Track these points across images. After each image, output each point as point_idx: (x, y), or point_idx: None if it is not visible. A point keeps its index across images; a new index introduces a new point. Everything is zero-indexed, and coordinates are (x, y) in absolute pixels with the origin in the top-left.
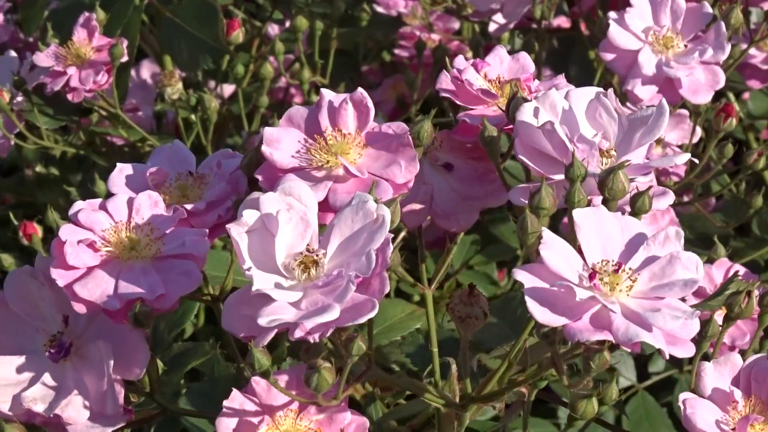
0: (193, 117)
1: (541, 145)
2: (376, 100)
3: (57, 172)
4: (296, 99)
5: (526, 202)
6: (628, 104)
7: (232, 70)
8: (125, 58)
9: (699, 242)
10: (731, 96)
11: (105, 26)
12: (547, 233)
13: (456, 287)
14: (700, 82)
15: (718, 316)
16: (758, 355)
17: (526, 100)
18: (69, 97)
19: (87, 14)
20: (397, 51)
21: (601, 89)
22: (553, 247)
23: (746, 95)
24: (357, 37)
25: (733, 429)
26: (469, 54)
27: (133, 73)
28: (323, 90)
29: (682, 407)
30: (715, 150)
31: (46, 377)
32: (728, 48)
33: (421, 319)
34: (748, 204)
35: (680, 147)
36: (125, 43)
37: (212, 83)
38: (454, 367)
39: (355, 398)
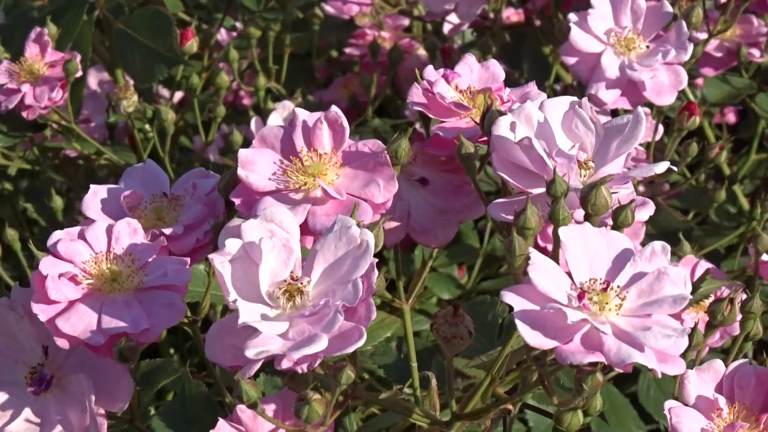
0: (148, 127)
1: (519, 159)
2: (327, 99)
3: (11, 188)
4: (245, 101)
5: (506, 217)
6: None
7: (187, 79)
8: (79, 73)
9: (661, 237)
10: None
11: (57, 40)
12: (535, 254)
13: (420, 291)
14: (663, 83)
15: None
16: (740, 361)
17: (501, 113)
18: (24, 114)
19: (38, 29)
20: (348, 50)
21: (575, 99)
22: (541, 269)
23: (699, 81)
24: (310, 41)
25: None
26: (421, 51)
27: None
28: (297, 109)
29: (667, 415)
30: (677, 145)
31: (28, 411)
32: (690, 48)
33: (392, 326)
34: (711, 198)
35: (642, 145)
36: (78, 57)
37: (164, 91)
38: (433, 382)
39: None
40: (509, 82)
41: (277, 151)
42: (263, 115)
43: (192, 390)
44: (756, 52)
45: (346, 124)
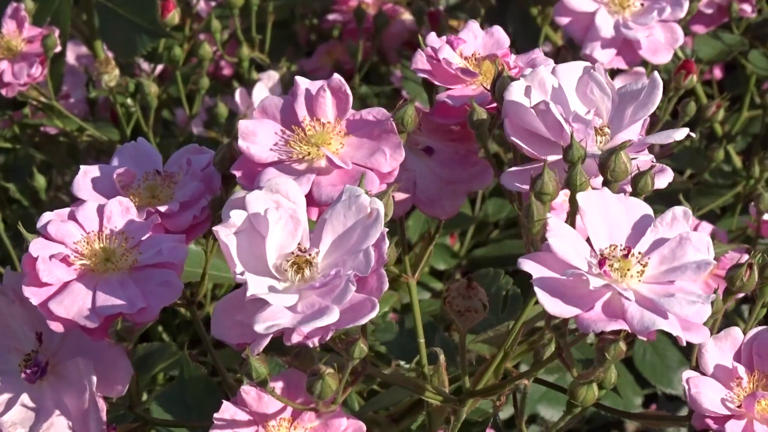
0: (130, 102)
1: (533, 125)
2: (310, 67)
3: None
4: (225, 71)
5: (521, 186)
6: None
7: (169, 51)
8: (58, 48)
9: (658, 198)
10: None
11: (34, 15)
12: (553, 220)
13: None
14: (659, 41)
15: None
16: (759, 328)
17: (512, 79)
18: (2, 92)
19: (15, 4)
20: (331, 17)
21: (588, 64)
22: (560, 234)
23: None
24: (293, 8)
25: (740, 407)
26: (405, 16)
27: None
28: (298, 78)
29: (686, 386)
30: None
31: (24, 399)
32: (686, 4)
33: (390, 300)
34: (709, 158)
35: None
36: (57, 32)
37: (145, 65)
38: (442, 357)
39: None
40: None
41: (278, 121)
42: (247, 85)
43: (191, 373)
44: (747, 8)
45: (349, 91)
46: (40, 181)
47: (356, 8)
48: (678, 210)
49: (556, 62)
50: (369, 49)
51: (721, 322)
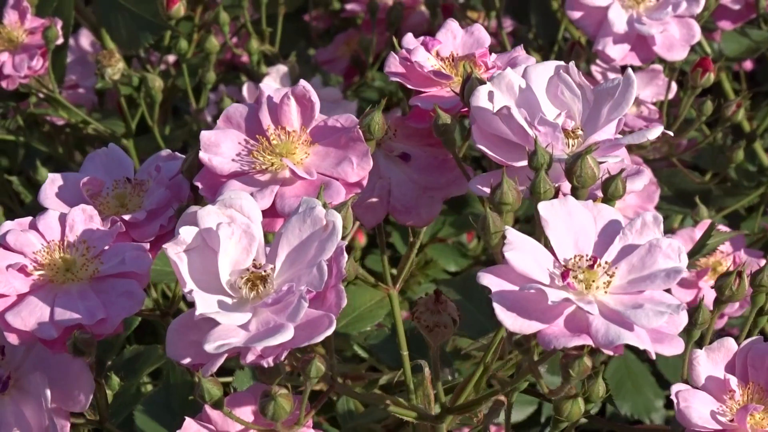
0: (136, 94)
1: (501, 130)
2: (327, 57)
3: None
4: (244, 58)
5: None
6: (598, 62)
7: (176, 43)
8: (60, 40)
9: (678, 199)
10: (703, 40)
11: (37, 6)
12: (510, 232)
13: (425, 264)
14: (674, 37)
15: (709, 288)
16: (753, 338)
17: (481, 82)
18: (3, 84)
19: None
20: (349, 6)
21: (561, 63)
22: (518, 247)
23: (717, 35)
24: None
25: (731, 420)
26: (423, 8)
27: (71, 42)
28: (262, 85)
29: (675, 400)
30: (693, 103)
31: None
32: (703, 0)
33: (382, 312)
34: (729, 158)
35: (655, 104)
36: (59, 24)
37: (156, 54)
38: (427, 371)
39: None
40: (518, 39)
41: (243, 130)
42: (257, 79)
43: (176, 378)
44: None
45: (315, 98)
46: (43, 174)
47: (370, 1)
48: (648, 215)
49: (569, 59)
50: (385, 40)
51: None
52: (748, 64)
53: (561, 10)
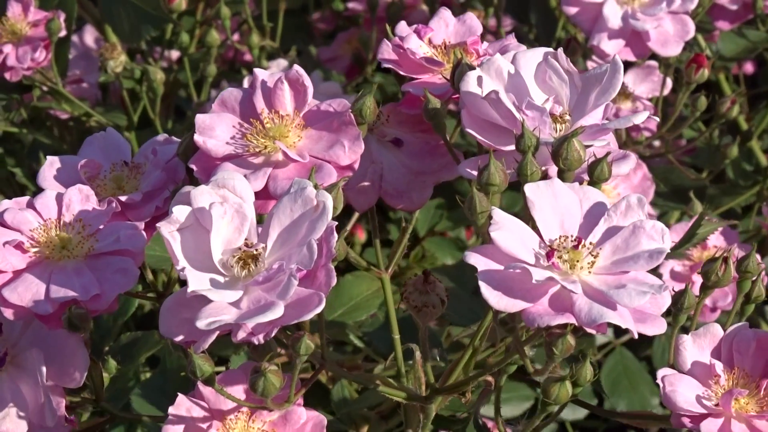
0: (138, 87)
1: (489, 115)
2: (329, 56)
3: (1, 150)
4: (246, 56)
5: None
6: (594, 58)
7: (177, 37)
8: (63, 32)
9: (673, 195)
10: (701, 40)
11: None
12: (497, 212)
13: (422, 257)
14: (669, 33)
15: (694, 286)
16: (738, 324)
17: (471, 68)
18: (6, 76)
19: None
20: (350, 5)
21: (550, 49)
22: (504, 227)
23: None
24: None
25: (716, 405)
26: (424, 7)
27: (75, 39)
28: (256, 69)
29: (661, 384)
30: (688, 100)
31: None
32: None
33: (377, 301)
34: (723, 154)
35: (650, 100)
36: (62, 17)
37: (158, 49)
38: (418, 354)
39: (320, 380)
40: (518, 38)
41: (237, 114)
42: None
43: (173, 363)
44: None
45: (308, 83)
46: None
47: None
48: (632, 197)
49: (566, 54)
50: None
51: (733, 322)
52: (748, 67)
53: (559, 8)
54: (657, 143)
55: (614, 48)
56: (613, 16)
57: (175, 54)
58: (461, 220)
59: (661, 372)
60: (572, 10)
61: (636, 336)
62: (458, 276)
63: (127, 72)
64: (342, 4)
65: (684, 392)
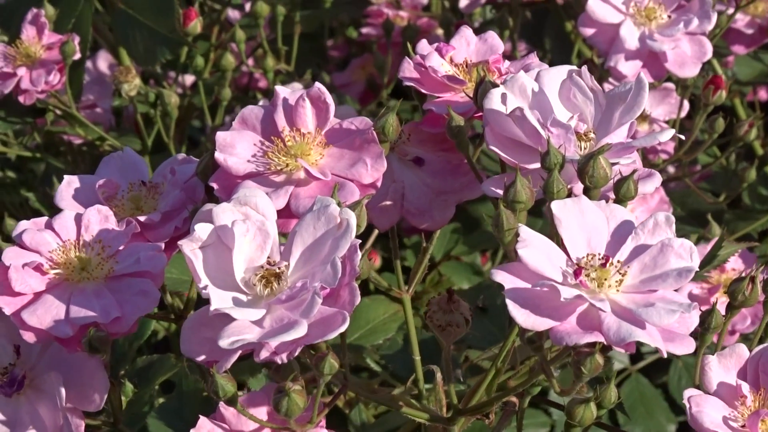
0: (152, 112)
1: (513, 133)
2: (343, 81)
3: (14, 176)
4: (261, 83)
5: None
6: (610, 80)
7: (192, 61)
8: (78, 56)
9: (691, 219)
10: (716, 64)
11: (55, 22)
12: (524, 230)
13: (438, 281)
14: (686, 54)
15: (721, 305)
16: (765, 345)
17: (494, 85)
18: (20, 99)
19: (35, 10)
20: (365, 30)
21: (573, 67)
22: (531, 245)
23: (731, 59)
24: (321, 19)
25: (743, 426)
26: (440, 31)
27: (89, 64)
28: (277, 87)
29: (687, 405)
30: (705, 123)
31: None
32: (714, 17)
33: (396, 324)
34: (741, 178)
35: (667, 122)
36: (77, 40)
37: (173, 73)
38: (439, 376)
39: (337, 405)
40: None
41: (258, 132)
42: (271, 98)
43: (189, 386)
44: None
45: (330, 100)
46: None
47: (385, 21)
48: (660, 215)
49: None
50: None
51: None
52: (763, 94)
53: (575, 32)
54: (672, 169)
55: (631, 69)
56: (630, 37)
57: (189, 79)
58: (477, 244)
59: (688, 392)
60: (589, 32)
61: (665, 355)
62: (475, 300)
63: (141, 96)
64: (355, 31)
65: (710, 413)
